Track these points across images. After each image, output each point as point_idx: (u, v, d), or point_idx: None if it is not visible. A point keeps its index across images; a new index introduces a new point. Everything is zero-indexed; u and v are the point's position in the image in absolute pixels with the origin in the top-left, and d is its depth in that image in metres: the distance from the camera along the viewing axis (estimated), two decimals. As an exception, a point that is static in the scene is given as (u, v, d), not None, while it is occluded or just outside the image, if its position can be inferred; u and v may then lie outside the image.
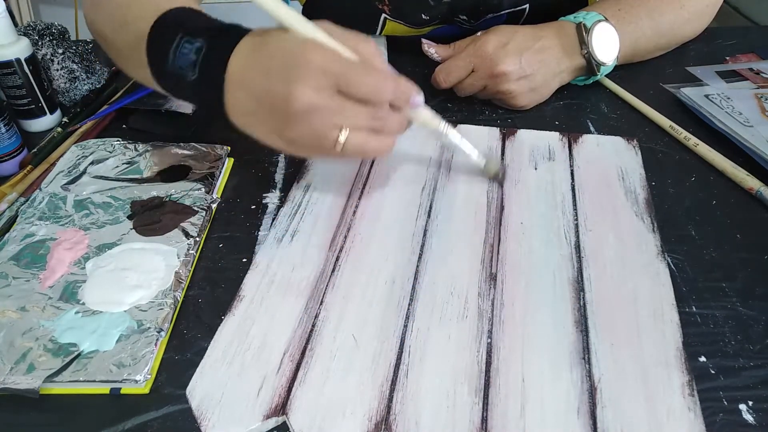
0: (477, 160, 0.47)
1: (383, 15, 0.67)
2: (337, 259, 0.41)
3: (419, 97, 0.40)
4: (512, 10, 0.66)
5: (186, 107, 0.56)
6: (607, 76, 0.61)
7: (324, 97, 0.35)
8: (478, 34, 0.56)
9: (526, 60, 0.53)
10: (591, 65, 0.55)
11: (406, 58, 0.62)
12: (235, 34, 0.38)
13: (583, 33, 0.54)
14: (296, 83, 0.35)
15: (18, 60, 0.51)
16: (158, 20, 0.39)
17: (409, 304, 0.37)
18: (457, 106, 0.57)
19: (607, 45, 0.55)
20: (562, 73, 0.56)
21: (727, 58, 0.65)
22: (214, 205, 0.45)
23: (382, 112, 0.38)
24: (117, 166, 0.48)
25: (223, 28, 0.39)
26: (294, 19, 0.37)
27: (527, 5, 0.66)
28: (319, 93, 0.35)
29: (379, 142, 0.38)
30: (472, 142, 0.54)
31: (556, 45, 0.55)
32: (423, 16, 0.65)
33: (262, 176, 0.49)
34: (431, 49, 0.58)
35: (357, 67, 0.36)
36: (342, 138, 0.36)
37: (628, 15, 0.57)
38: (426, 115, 0.42)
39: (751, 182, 0.47)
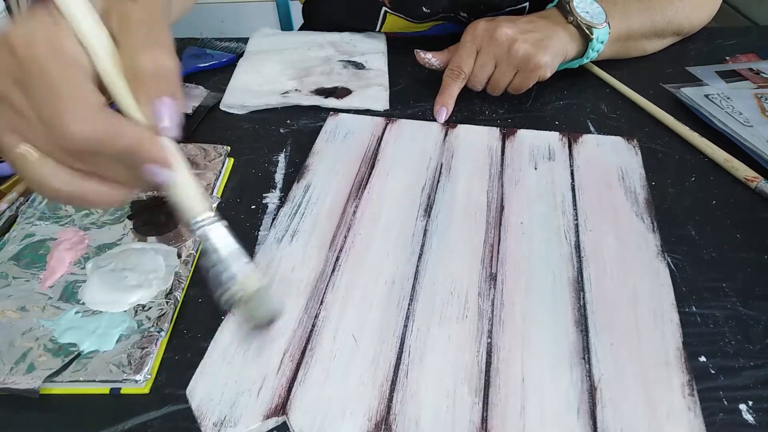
0: (228, 272, 0.28)
1: (384, 8, 0.67)
2: (337, 259, 0.41)
3: (164, 171, 0.26)
4: (512, 8, 0.66)
5: (186, 107, 0.56)
6: (610, 75, 0.61)
7: (3, 83, 0.25)
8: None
9: (521, 23, 0.54)
10: (582, 30, 0.55)
11: (407, 58, 0.62)
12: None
13: (564, 6, 0.56)
14: None
15: (18, 60, 0.50)
16: None
17: (409, 304, 0.37)
18: (458, 105, 0.57)
19: (593, 11, 0.56)
20: (558, 34, 0.55)
21: (727, 58, 0.65)
22: (214, 205, 0.45)
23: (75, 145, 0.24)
24: (117, 166, 0.48)
25: None
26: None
27: (527, 3, 0.66)
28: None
29: (73, 184, 0.26)
30: (472, 142, 0.53)
31: (543, 21, 0.56)
32: (424, 9, 0.65)
33: (262, 176, 0.49)
34: (427, 55, 0.59)
35: (46, 67, 0.24)
36: (18, 150, 0.25)
37: None
38: (184, 190, 0.27)
39: (745, 171, 0.47)
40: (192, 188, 0.27)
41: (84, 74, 0.25)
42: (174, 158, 0.26)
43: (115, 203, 0.27)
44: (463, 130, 0.54)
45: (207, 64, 0.64)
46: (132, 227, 0.42)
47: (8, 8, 0.50)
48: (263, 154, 0.52)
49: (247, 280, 0.28)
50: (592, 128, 0.54)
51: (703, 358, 0.35)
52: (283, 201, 0.46)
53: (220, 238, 0.28)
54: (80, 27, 0.25)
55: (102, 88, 0.25)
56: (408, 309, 0.37)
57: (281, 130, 0.55)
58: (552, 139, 0.52)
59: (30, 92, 0.24)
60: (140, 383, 0.33)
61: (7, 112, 0.25)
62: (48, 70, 0.24)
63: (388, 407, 0.32)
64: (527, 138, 0.52)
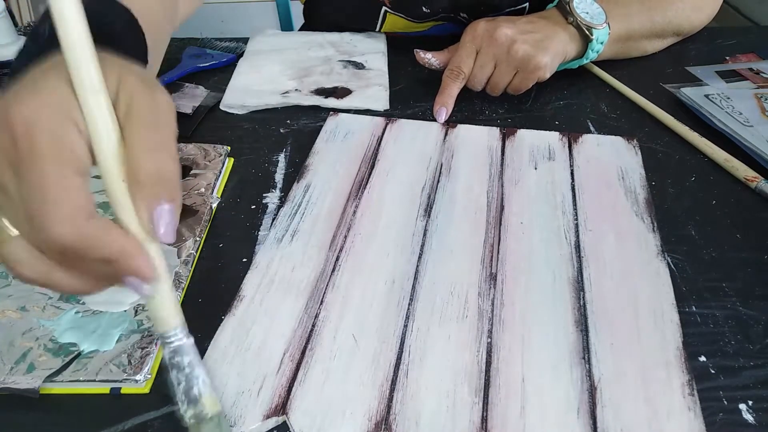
0: (194, 390, 0.27)
1: (384, 8, 0.67)
2: (337, 259, 0.41)
3: (143, 282, 0.25)
4: (512, 9, 0.66)
5: (186, 107, 0.56)
6: (610, 75, 0.61)
7: None
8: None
9: (521, 23, 0.54)
10: (582, 31, 0.55)
11: (407, 58, 0.62)
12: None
13: (564, 6, 0.56)
14: None
15: (18, 60, 0.50)
16: None
17: (409, 304, 0.37)
18: (458, 105, 0.57)
19: (593, 11, 0.56)
20: (558, 34, 0.55)
21: (727, 58, 0.65)
22: (214, 205, 0.45)
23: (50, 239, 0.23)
24: (117, 166, 0.48)
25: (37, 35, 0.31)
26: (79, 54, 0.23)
27: (527, 4, 0.66)
28: None
29: (45, 274, 0.25)
30: (472, 142, 0.53)
31: (543, 21, 0.56)
32: (424, 9, 0.65)
33: (262, 176, 0.49)
34: (427, 55, 0.59)
35: (40, 161, 0.22)
36: (10, 234, 0.24)
37: None
38: (161, 303, 0.27)
39: (745, 171, 0.47)
40: (170, 301, 0.27)
41: (79, 173, 0.23)
42: (157, 271, 0.26)
43: (85, 294, 0.27)
44: (463, 130, 0.54)
45: (207, 64, 0.64)
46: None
47: (8, 9, 0.50)
48: (263, 154, 0.52)
49: (209, 401, 0.27)
50: (592, 128, 0.54)
51: (703, 358, 0.35)
52: (283, 201, 0.46)
53: (190, 355, 0.27)
54: (92, 117, 0.24)
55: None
56: (408, 309, 0.37)
57: (281, 130, 0.55)
58: (552, 139, 0.52)
59: (20, 180, 0.23)
60: (140, 383, 0.33)
61: None
62: (41, 164, 0.22)
63: (388, 407, 0.32)
64: (527, 138, 0.52)
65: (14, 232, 0.24)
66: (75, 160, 0.23)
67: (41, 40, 0.30)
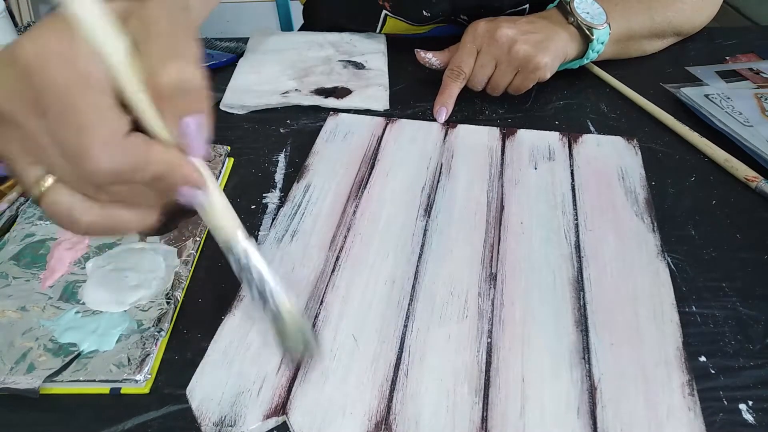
0: (269, 287, 0.29)
1: (384, 11, 0.67)
2: (337, 259, 0.41)
3: (194, 183, 0.25)
4: (513, 10, 0.66)
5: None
6: (610, 75, 0.61)
7: (18, 108, 0.22)
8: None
9: (521, 24, 0.54)
10: (583, 31, 0.55)
11: (407, 58, 0.62)
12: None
13: (565, 6, 0.56)
14: None
15: (18, 60, 0.50)
16: None
17: (409, 304, 0.37)
18: (457, 105, 0.57)
19: (594, 11, 0.56)
20: (559, 35, 0.55)
21: (727, 58, 0.65)
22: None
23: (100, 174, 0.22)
24: (117, 166, 0.48)
25: None
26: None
27: (527, 5, 0.66)
28: (11, 102, 0.22)
29: (104, 216, 0.24)
30: (472, 142, 0.53)
31: (543, 21, 0.56)
32: (424, 13, 0.66)
33: (262, 176, 0.49)
34: (427, 55, 0.59)
35: (65, 91, 0.21)
36: (44, 184, 0.23)
37: None
38: (216, 210, 0.27)
39: (745, 171, 0.47)
40: (224, 207, 0.27)
41: (105, 95, 0.22)
42: (205, 178, 0.25)
43: (147, 228, 0.26)
44: (463, 130, 0.54)
45: (207, 64, 0.64)
46: (132, 227, 0.42)
47: (8, 8, 0.50)
48: (263, 154, 0.52)
49: (282, 302, 0.29)
50: (592, 128, 0.54)
51: (703, 358, 0.35)
52: (283, 201, 0.46)
53: (257, 256, 0.28)
54: (98, 39, 0.22)
55: (123, 104, 0.23)
56: (408, 309, 0.37)
57: (281, 130, 0.55)
58: (552, 139, 0.52)
59: (48, 119, 0.21)
60: (140, 383, 0.33)
61: (23, 141, 0.22)
62: (67, 94, 0.21)
63: (388, 407, 0.32)
64: (527, 138, 0.52)
65: (48, 181, 0.23)
66: (97, 83, 0.22)
67: None
